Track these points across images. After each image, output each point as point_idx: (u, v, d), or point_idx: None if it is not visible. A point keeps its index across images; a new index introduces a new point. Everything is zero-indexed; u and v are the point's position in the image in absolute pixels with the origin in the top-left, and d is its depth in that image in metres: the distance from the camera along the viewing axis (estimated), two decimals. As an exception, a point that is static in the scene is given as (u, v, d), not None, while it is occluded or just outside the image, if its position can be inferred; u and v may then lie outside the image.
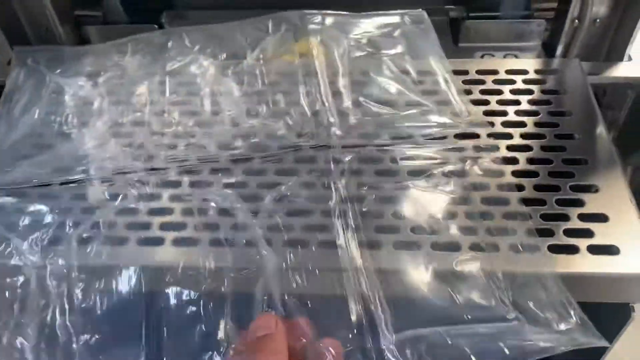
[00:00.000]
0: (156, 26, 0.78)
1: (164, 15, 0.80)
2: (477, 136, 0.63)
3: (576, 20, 0.73)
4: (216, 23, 0.75)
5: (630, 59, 0.75)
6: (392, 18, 0.75)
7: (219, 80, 0.70)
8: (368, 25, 0.74)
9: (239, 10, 0.77)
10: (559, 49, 0.75)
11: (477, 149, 0.62)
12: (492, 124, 0.64)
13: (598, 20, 0.74)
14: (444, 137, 0.62)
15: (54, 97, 0.68)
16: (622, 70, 0.74)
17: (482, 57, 0.76)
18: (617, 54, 0.75)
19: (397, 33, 0.74)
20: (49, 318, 0.52)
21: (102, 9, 0.80)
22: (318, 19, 0.74)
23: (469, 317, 0.49)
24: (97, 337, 0.52)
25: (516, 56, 0.76)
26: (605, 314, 0.54)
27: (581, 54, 0.76)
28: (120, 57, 0.72)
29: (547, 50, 0.77)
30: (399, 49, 0.72)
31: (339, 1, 0.76)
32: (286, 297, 0.51)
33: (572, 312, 0.49)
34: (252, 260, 0.53)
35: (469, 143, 0.62)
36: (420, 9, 0.76)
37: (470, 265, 0.52)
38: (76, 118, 0.66)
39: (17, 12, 0.75)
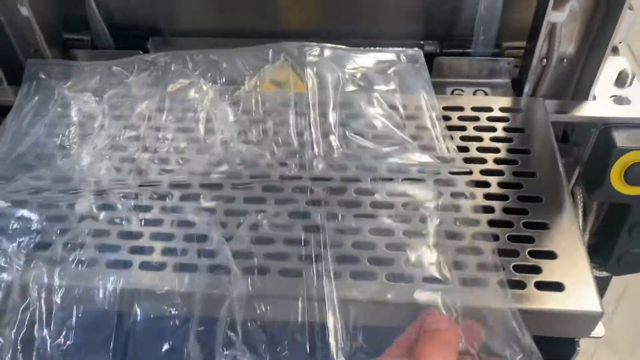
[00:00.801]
0: (140, 52, 0.82)
1: (150, 41, 0.85)
2: (438, 172, 0.65)
3: (544, 59, 0.75)
4: (202, 49, 0.78)
5: (594, 98, 0.78)
6: (388, 55, 0.78)
7: (216, 105, 0.73)
8: (364, 60, 0.77)
9: (223, 38, 0.81)
10: (528, 87, 0.77)
11: (439, 182, 0.64)
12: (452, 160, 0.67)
13: (565, 60, 0.76)
14: (421, 179, 0.64)
15: (59, 112, 0.73)
16: (587, 110, 0.77)
17: (452, 92, 0.79)
18: (583, 93, 0.77)
19: (391, 70, 0.76)
20: (27, 320, 0.56)
21: (90, 34, 0.84)
22: (316, 51, 0.77)
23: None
24: (70, 343, 0.55)
25: (486, 93, 0.79)
26: (552, 348, 0.55)
27: (549, 91, 0.79)
28: (126, 75, 0.76)
29: (517, 87, 0.80)
30: (392, 85, 0.75)
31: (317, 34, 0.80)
32: (248, 324, 0.54)
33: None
34: (220, 284, 0.56)
35: (430, 178, 0.64)
36: (417, 48, 0.79)
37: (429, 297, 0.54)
38: (78, 133, 0.71)
39: (7, 32, 0.80)
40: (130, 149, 0.69)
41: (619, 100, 0.78)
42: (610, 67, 0.82)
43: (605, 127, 0.77)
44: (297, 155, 0.67)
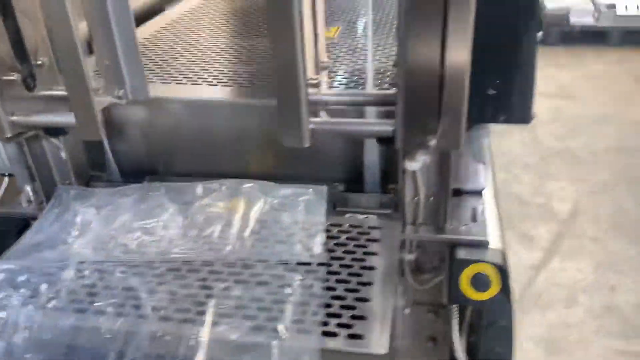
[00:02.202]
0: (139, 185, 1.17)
1: (147, 178, 1.21)
2: (309, 264, 0.93)
3: (415, 197, 1.04)
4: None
5: (451, 224, 1.06)
6: (301, 189, 1.09)
7: (173, 217, 1.06)
8: (283, 191, 1.09)
9: (198, 177, 1.14)
10: (407, 216, 1.05)
11: (308, 270, 0.92)
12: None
13: (432, 198, 1.04)
14: (295, 268, 0.93)
15: (70, 218, 1.07)
16: (446, 232, 1.05)
17: (352, 214, 1.08)
18: (443, 222, 1.05)
19: (300, 198, 1.07)
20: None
21: (107, 172, 1.22)
22: (250, 184, 1.10)
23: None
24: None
25: (374, 216, 1.07)
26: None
27: (426, 220, 1.07)
28: (119, 197, 1.11)
29: (400, 216, 1.07)
30: (299, 208, 1.05)
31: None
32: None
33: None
34: (133, 324, 0.84)
35: (303, 268, 0.92)
36: (324, 185, 1.10)
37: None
38: (78, 232, 1.04)
39: (53, 172, 1.18)
40: (109, 242, 1.01)
41: (468, 228, 1.05)
42: (473, 205, 1.10)
43: (453, 246, 1.03)
44: (217, 249, 0.97)
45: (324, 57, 0.97)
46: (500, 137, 3.57)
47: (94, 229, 1.05)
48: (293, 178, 1.15)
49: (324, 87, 0.98)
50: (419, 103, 0.83)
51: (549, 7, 4.75)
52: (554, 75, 4.23)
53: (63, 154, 1.18)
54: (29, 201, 1.23)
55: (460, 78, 0.80)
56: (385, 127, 0.91)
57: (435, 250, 1.13)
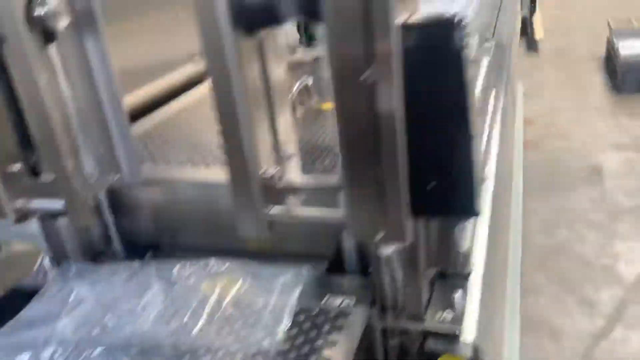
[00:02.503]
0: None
1: (149, 254, 1.27)
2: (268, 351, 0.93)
3: (392, 280, 1.02)
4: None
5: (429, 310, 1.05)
6: (280, 270, 1.11)
7: (155, 297, 1.10)
8: (263, 272, 1.11)
9: (202, 252, 1.18)
10: (385, 301, 1.04)
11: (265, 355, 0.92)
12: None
13: (409, 282, 1.02)
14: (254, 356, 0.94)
15: (65, 295, 1.15)
16: (414, 322, 1.04)
17: (328, 298, 1.08)
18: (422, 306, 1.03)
19: (278, 279, 1.09)
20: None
21: (111, 248, 1.29)
22: (232, 264, 1.13)
23: None
24: None
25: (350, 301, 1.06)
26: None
27: (403, 305, 1.05)
28: (113, 275, 1.18)
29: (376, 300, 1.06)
30: (273, 290, 1.07)
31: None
32: None
33: None
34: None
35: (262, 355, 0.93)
36: (309, 264, 1.11)
37: None
38: (68, 309, 1.11)
39: (64, 246, 1.27)
40: (91, 320, 1.07)
41: (443, 316, 1.02)
42: (454, 291, 1.07)
43: (425, 336, 1.00)
44: (186, 332, 1.00)
45: (290, 144, 0.99)
46: (566, 192, 3.41)
47: (82, 308, 1.11)
48: (284, 254, 1.17)
49: (291, 173, 1.00)
50: (362, 195, 0.83)
51: (624, 53, 4.60)
52: (627, 125, 4.01)
53: (70, 232, 1.27)
54: (45, 274, 1.33)
55: (397, 175, 0.80)
56: (340, 216, 0.91)
57: (416, 336, 1.10)
